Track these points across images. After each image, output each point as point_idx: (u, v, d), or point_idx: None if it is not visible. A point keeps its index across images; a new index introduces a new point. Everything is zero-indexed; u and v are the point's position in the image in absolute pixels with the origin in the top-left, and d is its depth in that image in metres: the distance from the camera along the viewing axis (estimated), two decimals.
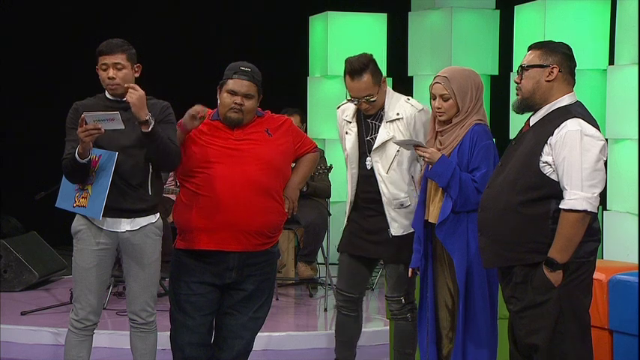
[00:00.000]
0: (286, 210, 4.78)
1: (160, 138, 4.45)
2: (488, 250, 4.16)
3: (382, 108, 4.94)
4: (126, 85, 4.41)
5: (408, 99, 4.99)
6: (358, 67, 4.86)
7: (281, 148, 4.73)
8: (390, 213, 4.92)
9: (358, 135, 4.98)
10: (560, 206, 3.94)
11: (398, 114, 4.90)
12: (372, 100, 4.88)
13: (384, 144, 4.89)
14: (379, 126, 4.94)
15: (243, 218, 4.60)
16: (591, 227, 3.98)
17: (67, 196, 4.61)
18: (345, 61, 4.94)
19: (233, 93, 4.62)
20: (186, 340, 4.73)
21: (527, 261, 4.02)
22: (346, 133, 5.01)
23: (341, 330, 5.18)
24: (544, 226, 3.98)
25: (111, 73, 4.52)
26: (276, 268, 4.97)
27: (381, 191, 4.92)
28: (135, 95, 4.38)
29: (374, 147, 4.91)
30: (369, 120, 4.96)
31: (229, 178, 4.60)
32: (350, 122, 5.01)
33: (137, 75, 4.63)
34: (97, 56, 4.57)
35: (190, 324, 4.71)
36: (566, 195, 3.93)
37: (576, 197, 3.90)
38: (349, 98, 4.96)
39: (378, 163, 4.91)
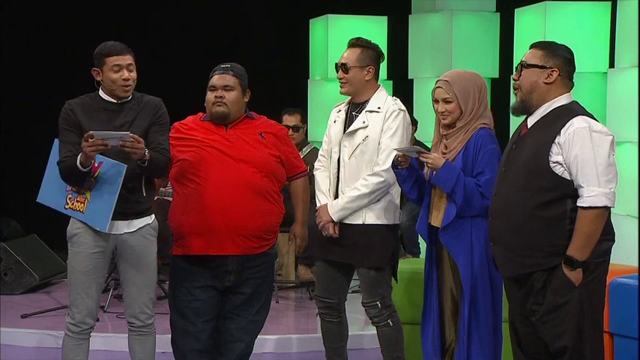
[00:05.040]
0: (297, 248, 4.97)
1: (153, 164, 4.45)
2: (505, 258, 4.11)
3: (367, 101, 4.99)
4: (121, 144, 4.31)
5: (395, 99, 5.05)
6: (355, 40, 5.06)
7: (274, 152, 4.76)
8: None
9: (343, 124, 5.02)
10: (579, 204, 3.92)
11: (379, 107, 4.95)
12: (347, 69, 4.96)
13: (354, 131, 4.94)
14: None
15: (240, 221, 4.61)
16: (606, 226, 3.96)
17: (54, 193, 4.57)
18: None
19: (213, 88, 4.72)
20: (189, 347, 4.73)
21: (546, 265, 4.00)
22: (334, 121, 5.07)
23: (327, 337, 5.15)
24: (561, 227, 3.96)
25: (125, 74, 4.52)
26: (274, 270, 4.98)
27: (340, 175, 4.95)
28: (140, 151, 4.34)
29: (346, 131, 4.96)
30: (353, 113, 5.01)
31: (224, 181, 4.61)
32: (339, 112, 5.08)
33: None
34: (104, 57, 4.52)
35: (192, 330, 4.71)
36: (584, 192, 3.91)
37: (595, 194, 3.89)
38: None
39: (346, 148, 4.95)
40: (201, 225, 4.61)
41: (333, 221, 4.90)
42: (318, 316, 5.18)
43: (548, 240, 3.98)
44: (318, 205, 5.02)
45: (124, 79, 4.51)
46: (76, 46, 9.53)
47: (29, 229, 8.89)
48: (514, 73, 4.18)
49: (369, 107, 4.96)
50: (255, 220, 4.65)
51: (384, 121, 4.91)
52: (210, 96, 4.73)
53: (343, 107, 5.09)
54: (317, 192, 5.05)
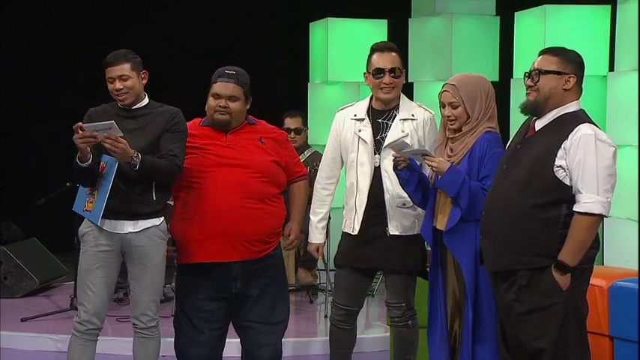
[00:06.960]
0: (288, 244, 4.87)
1: (148, 169, 4.48)
2: (494, 252, 4.15)
3: (395, 108, 4.94)
4: (106, 135, 4.37)
5: (420, 104, 5.03)
6: (390, 45, 5.01)
7: (273, 157, 4.73)
8: (390, 212, 4.88)
9: (373, 133, 4.93)
10: (575, 209, 3.95)
11: (413, 115, 4.92)
12: (398, 75, 4.90)
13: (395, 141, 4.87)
14: (390, 125, 4.93)
15: (239, 227, 4.59)
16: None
17: (80, 199, 4.67)
18: (372, 45, 5.02)
19: (217, 96, 4.67)
20: (197, 354, 4.71)
21: (533, 264, 4.04)
22: (359, 130, 4.95)
23: (335, 343, 5.11)
24: (554, 230, 4.00)
25: (117, 84, 4.60)
26: (283, 271, 4.93)
27: (384, 188, 4.87)
28: (119, 150, 4.39)
29: (385, 143, 4.87)
30: (379, 120, 4.95)
31: (223, 188, 4.59)
32: (362, 120, 4.96)
33: (144, 82, 4.70)
34: (104, 68, 4.62)
35: (200, 338, 4.69)
36: (582, 198, 3.95)
37: (592, 201, 3.93)
38: (373, 71, 4.90)
39: (386, 160, 4.86)
40: (202, 232, 4.60)
41: None
42: (329, 321, 5.16)
43: (540, 241, 4.02)
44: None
45: (116, 90, 4.61)
46: (76, 46, 9.57)
47: (29, 232, 8.87)
48: (515, 79, 4.19)
49: (402, 115, 4.91)
50: (256, 226, 4.63)
51: (423, 129, 4.90)
52: (212, 103, 4.67)
53: (362, 114, 4.96)
54: (311, 223, 5.07)
